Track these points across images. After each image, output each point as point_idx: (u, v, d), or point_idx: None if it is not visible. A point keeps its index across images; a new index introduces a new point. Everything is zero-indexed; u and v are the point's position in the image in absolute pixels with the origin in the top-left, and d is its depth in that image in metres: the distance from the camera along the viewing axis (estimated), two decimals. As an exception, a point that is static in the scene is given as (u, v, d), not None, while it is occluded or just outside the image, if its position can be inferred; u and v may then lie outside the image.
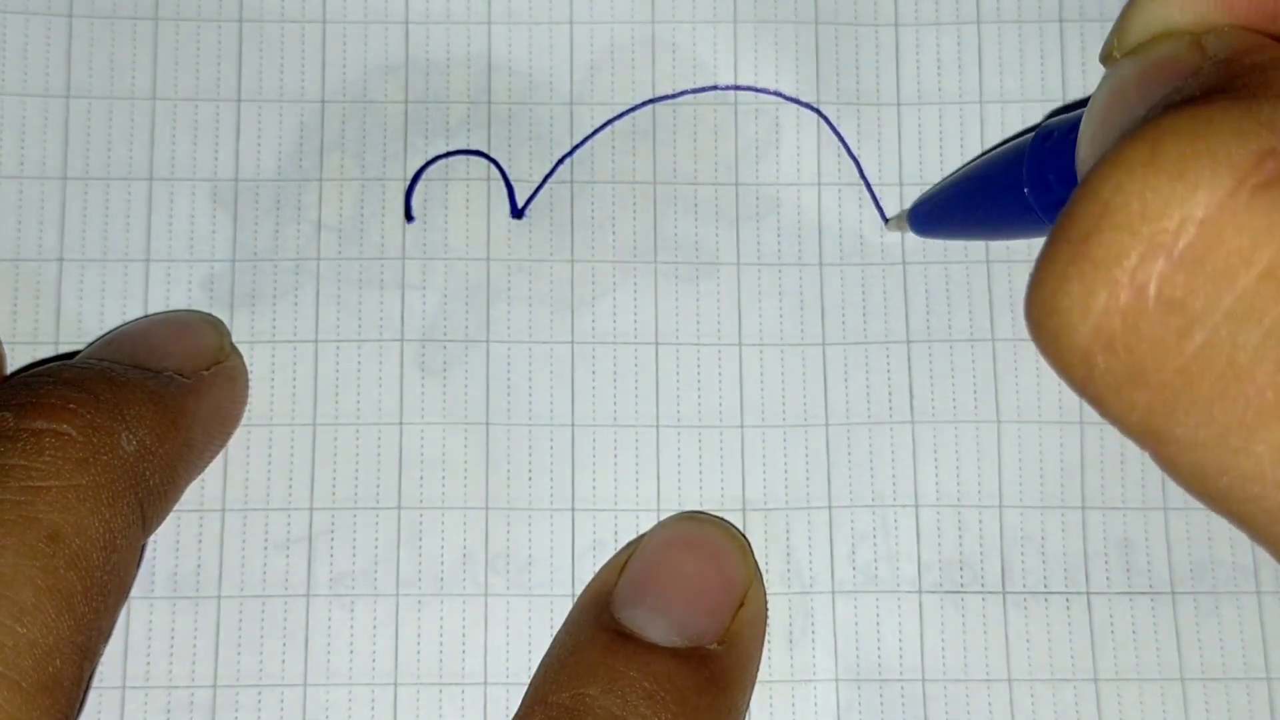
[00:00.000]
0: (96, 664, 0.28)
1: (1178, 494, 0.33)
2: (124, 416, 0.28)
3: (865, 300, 0.33)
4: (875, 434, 0.33)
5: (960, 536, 0.32)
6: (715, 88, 0.34)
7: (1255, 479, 0.17)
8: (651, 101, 0.34)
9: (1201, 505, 0.32)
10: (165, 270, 0.33)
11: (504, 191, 0.34)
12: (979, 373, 0.33)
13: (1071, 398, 0.33)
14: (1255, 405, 0.16)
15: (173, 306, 0.33)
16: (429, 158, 0.34)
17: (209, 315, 0.33)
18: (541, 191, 0.34)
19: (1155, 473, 0.33)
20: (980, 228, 0.32)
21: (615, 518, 0.32)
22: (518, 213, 0.34)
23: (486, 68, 0.34)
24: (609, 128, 0.34)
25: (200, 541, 0.32)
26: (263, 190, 0.34)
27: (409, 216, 0.34)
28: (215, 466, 0.32)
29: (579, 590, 0.32)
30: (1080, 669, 0.32)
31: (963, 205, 0.31)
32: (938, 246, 0.34)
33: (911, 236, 0.34)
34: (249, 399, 0.32)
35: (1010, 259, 0.34)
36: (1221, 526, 0.33)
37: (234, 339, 0.33)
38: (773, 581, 0.32)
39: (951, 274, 0.34)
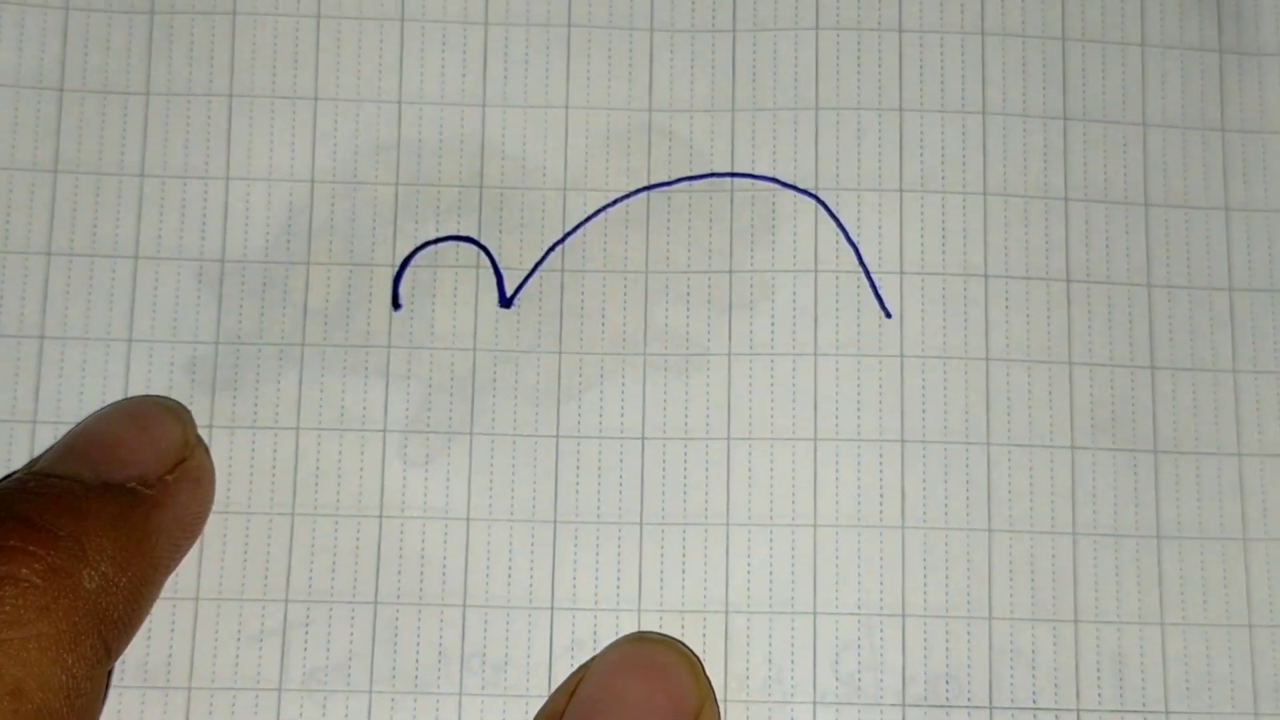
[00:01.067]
0: None
1: (1174, 608, 0.32)
2: (85, 554, 0.27)
3: (860, 394, 0.33)
4: (864, 537, 0.32)
5: (947, 648, 0.32)
6: (712, 175, 0.34)
7: None
8: (647, 189, 0.34)
9: (1201, 621, 0.31)
10: (148, 351, 0.33)
11: (493, 279, 0.33)
12: (972, 477, 0.32)
13: (1065, 509, 0.32)
14: None
15: (154, 389, 0.32)
16: (418, 243, 0.33)
17: (171, 402, 0.32)
18: (531, 279, 0.33)
19: (1152, 585, 0.32)
20: None
21: (595, 617, 0.32)
22: (506, 302, 0.33)
23: (479, 150, 0.34)
24: (602, 215, 0.34)
25: (173, 631, 0.31)
26: (249, 272, 0.33)
27: (396, 304, 0.33)
28: (190, 554, 0.32)
29: (557, 658, 0.31)
30: (1067, 789, 0.31)
31: None
32: (937, 339, 0.33)
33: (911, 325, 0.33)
34: (228, 486, 0.32)
35: (1009, 358, 0.33)
36: (1220, 643, 0.32)
37: (214, 424, 0.32)
38: (754, 689, 0.31)
39: (950, 370, 0.33)
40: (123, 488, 0.29)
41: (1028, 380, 0.33)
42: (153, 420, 0.31)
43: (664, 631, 0.32)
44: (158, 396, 0.33)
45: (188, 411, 0.32)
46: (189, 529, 0.31)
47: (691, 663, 0.30)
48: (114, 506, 0.29)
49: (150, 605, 0.30)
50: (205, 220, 0.33)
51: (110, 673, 0.30)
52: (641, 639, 0.31)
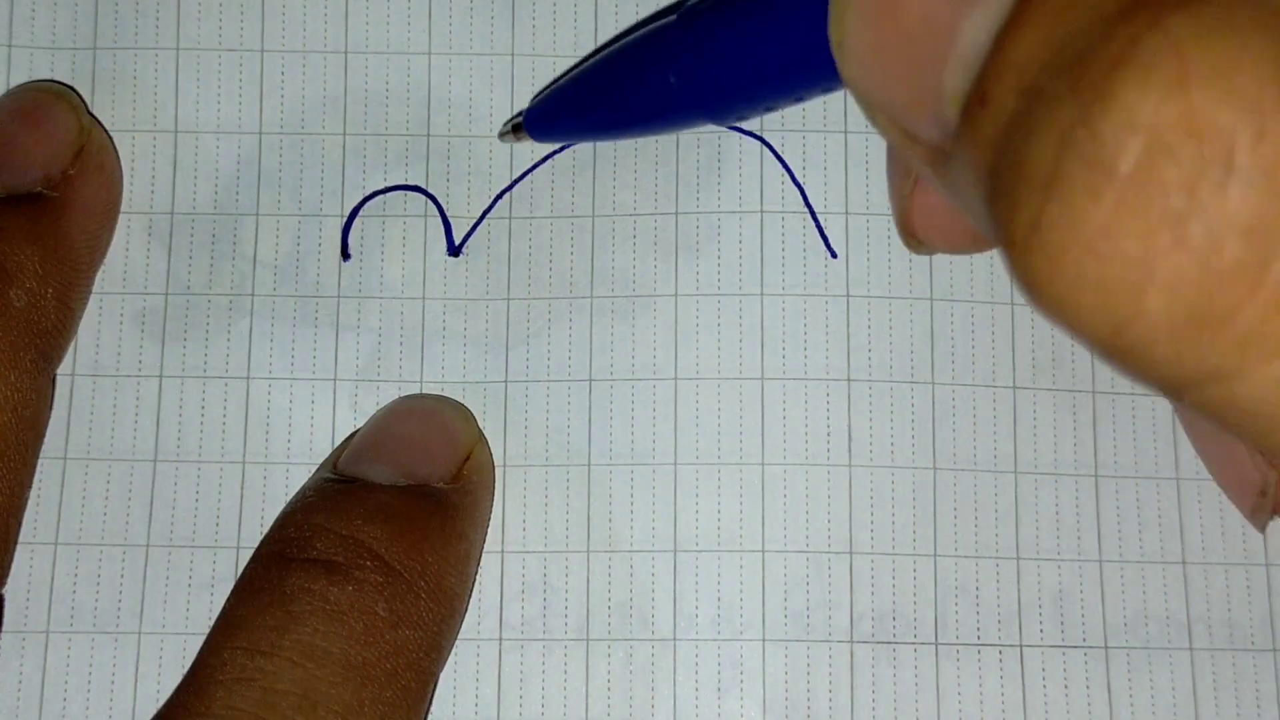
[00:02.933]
0: (21, 517, 0.30)
1: (1113, 546, 0.32)
2: (6, 273, 0.28)
3: (806, 334, 0.33)
4: (811, 476, 0.32)
5: (894, 585, 0.32)
6: (659, 122, 0.34)
7: None
8: (593, 135, 0.34)
9: (1137, 559, 0.31)
10: (97, 302, 0.33)
11: (441, 228, 0.34)
12: (918, 416, 0.33)
13: (1007, 446, 0.32)
14: None
15: (104, 340, 0.33)
16: (367, 193, 0.34)
17: (55, 86, 0.33)
18: (479, 228, 0.34)
19: (1090, 524, 0.32)
20: (614, 126, 0.29)
21: (545, 559, 0.32)
22: (455, 250, 0.33)
23: (426, 99, 0.34)
24: (549, 162, 0.34)
25: (122, 577, 0.32)
26: (199, 224, 0.33)
27: (345, 254, 0.33)
28: (141, 502, 0.32)
29: (509, 603, 0.32)
30: (1012, 722, 0.31)
31: (593, 101, 0.29)
32: (882, 280, 0.33)
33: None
34: (179, 435, 0.32)
35: (952, 298, 0.33)
36: (1157, 580, 0.32)
37: (165, 373, 0.33)
38: (702, 627, 0.32)
39: (895, 310, 0.33)
40: (30, 195, 0.30)
41: (971, 320, 0.33)
42: (44, 113, 0.31)
43: (611, 569, 0.32)
44: (39, 83, 0.33)
45: (76, 92, 0.33)
46: (105, 219, 0.32)
47: (465, 411, 0.32)
48: (25, 219, 0.29)
49: (82, 306, 0.31)
50: (154, 173, 0.34)
51: (54, 381, 0.31)
52: (413, 395, 0.33)
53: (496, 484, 0.32)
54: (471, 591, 0.31)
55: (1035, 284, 0.16)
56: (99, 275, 0.33)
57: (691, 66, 0.26)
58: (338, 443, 0.32)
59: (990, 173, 0.17)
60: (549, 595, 0.32)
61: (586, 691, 0.31)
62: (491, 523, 0.32)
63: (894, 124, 0.20)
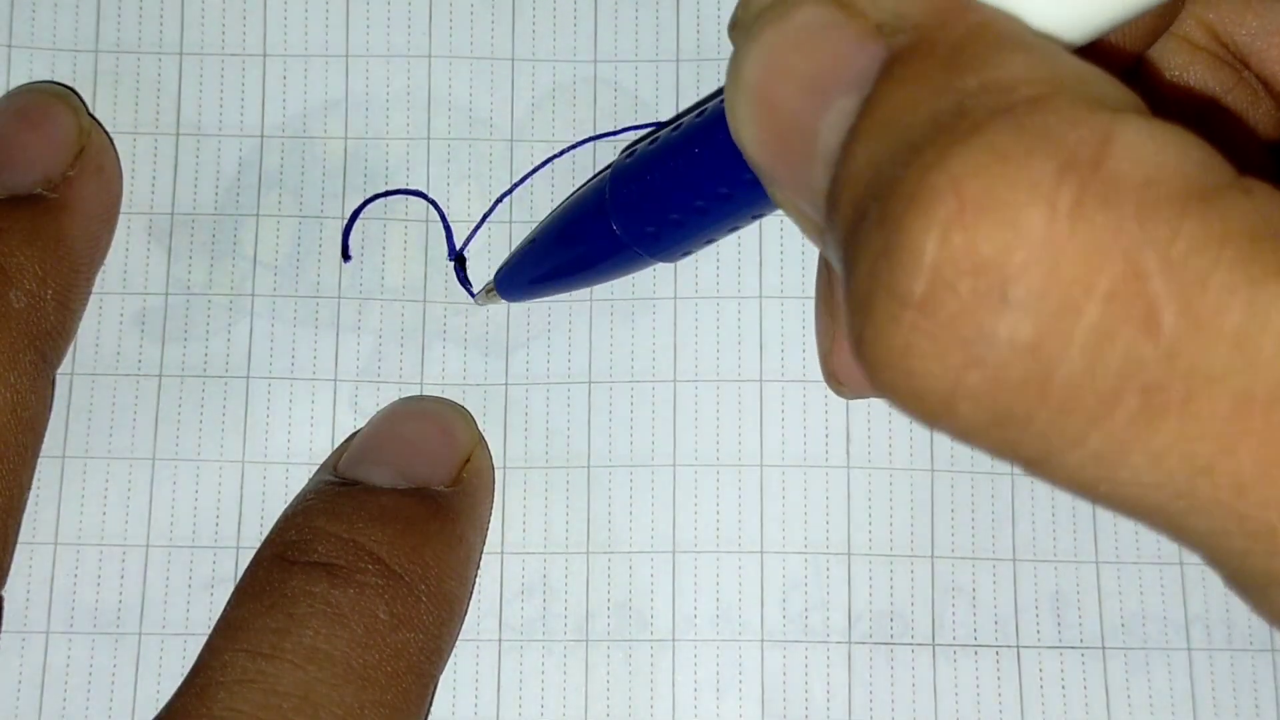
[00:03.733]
0: (20, 518, 0.30)
1: (1109, 547, 0.32)
2: (7, 275, 0.29)
3: (805, 336, 0.33)
4: (810, 477, 0.33)
5: (892, 586, 0.32)
6: (657, 124, 0.34)
7: (1133, 483, 0.17)
8: (593, 139, 0.34)
9: (1134, 559, 0.32)
10: (97, 302, 0.33)
11: (442, 231, 0.34)
12: (915, 420, 0.33)
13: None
14: (1124, 425, 0.16)
15: (104, 340, 0.33)
16: (367, 196, 0.34)
17: (56, 88, 0.33)
18: (480, 231, 0.34)
19: (1086, 525, 0.32)
20: (573, 277, 0.31)
21: (545, 560, 0.32)
22: (455, 254, 0.34)
23: (426, 103, 0.34)
24: (548, 166, 0.34)
25: (123, 578, 0.32)
26: (199, 224, 0.33)
27: (346, 256, 0.33)
28: (140, 502, 0.32)
29: (508, 603, 0.32)
30: (1009, 723, 0.32)
31: (551, 258, 0.31)
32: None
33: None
34: (178, 434, 0.32)
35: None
36: (1155, 581, 0.32)
37: (164, 373, 0.33)
38: (701, 628, 0.32)
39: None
40: (29, 196, 0.30)
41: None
42: (44, 115, 0.32)
43: (611, 570, 0.32)
44: (40, 84, 0.33)
45: (76, 94, 0.33)
46: (104, 220, 0.32)
47: (464, 413, 0.32)
48: (25, 220, 0.29)
49: (82, 307, 0.31)
50: (155, 175, 0.34)
51: (54, 382, 0.31)
52: (411, 396, 0.33)
53: (497, 486, 0.32)
54: (471, 594, 0.31)
55: (872, 380, 0.18)
56: (99, 275, 0.33)
57: (628, 214, 0.28)
58: (338, 443, 0.32)
59: (840, 272, 0.19)
60: (548, 596, 0.32)
61: (586, 693, 0.31)
62: (492, 524, 0.32)
63: (790, 203, 0.21)
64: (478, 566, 0.32)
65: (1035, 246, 0.16)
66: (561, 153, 0.34)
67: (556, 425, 0.33)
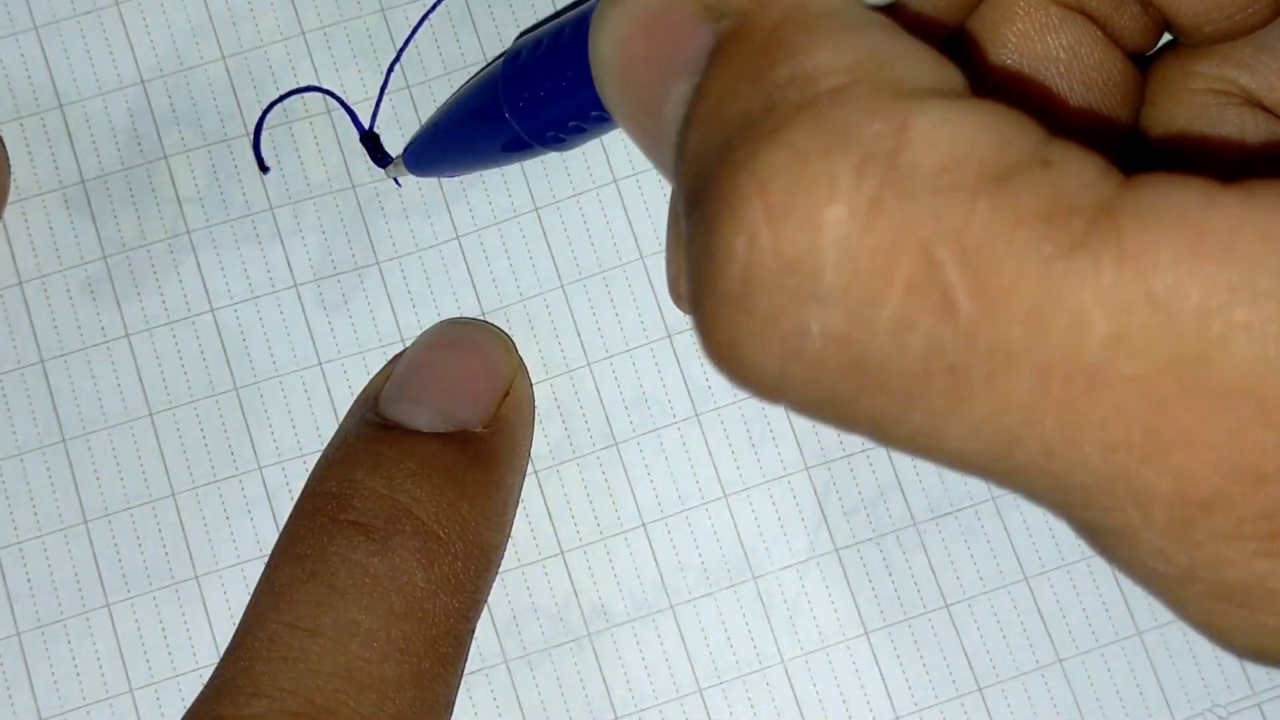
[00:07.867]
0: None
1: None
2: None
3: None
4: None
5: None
6: (517, -42, 0.35)
7: (959, 450, 0.18)
8: (460, -13, 0.34)
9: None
10: (41, 287, 0.33)
11: (346, 117, 0.34)
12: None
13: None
14: (939, 402, 0.17)
15: (61, 319, 0.33)
16: (264, 106, 0.34)
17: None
18: (383, 105, 0.34)
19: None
20: (471, 160, 0.32)
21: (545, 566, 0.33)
22: (364, 133, 0.34)
23: (292, 1, 0.34)
24: (426, 24, 0.34)
25: (160, 531, 0.32)
26: (113, 183, 0.33)
27: (264, 168, 0.34)
28: (151, 457, 0.32)
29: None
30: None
31: (450, 139, 0.31)
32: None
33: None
34: (165, 384, 0.32)
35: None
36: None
37: (130, 332, 0.33)
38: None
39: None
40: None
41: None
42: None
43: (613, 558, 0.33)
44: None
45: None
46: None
47: (503, 339, 0.32)
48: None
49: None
50: (53, 151, 0.33)
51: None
52: (453, 321, 0.33)
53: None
54: (510, 534, 0.32)
55: (713, 365, 0.19)
56: (33, 261, 0.33)
57: (519, 105, 0.28)
58: (319, 345, 0.33)
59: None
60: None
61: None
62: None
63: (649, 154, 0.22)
64: (517, 503, 0.32)
65: (836, 244, 0.17)
66: (434, 7, 0.34)
67: (520, 262, 0.33)
